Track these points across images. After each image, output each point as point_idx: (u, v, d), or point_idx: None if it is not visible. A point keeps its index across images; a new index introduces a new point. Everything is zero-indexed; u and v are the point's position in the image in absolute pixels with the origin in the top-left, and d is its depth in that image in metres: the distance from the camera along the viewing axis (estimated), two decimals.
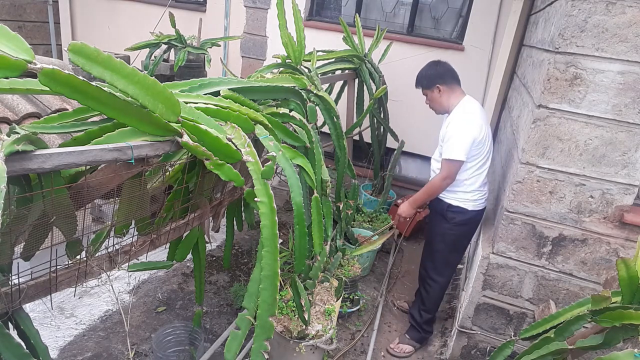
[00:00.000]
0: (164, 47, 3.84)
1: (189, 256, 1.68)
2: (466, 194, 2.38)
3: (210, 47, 3.92)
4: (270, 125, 1.53)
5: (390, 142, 4.26)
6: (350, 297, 2.83)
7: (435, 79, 2.35)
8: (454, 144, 2.23)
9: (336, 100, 3.74)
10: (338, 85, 3.93)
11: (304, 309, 2.01)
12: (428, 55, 4.15)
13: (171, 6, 4.73)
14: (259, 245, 1.29)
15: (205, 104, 1.30)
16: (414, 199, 2.46)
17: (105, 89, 0.92)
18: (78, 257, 1.17)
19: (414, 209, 2.49)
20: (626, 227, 1.99)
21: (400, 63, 4.22)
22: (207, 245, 1.75)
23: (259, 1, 4.70)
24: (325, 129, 2.51)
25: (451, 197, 2.40)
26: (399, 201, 4.06)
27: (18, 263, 0.99)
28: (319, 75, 2.84)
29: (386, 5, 4.43)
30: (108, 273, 1.23)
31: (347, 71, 3.55)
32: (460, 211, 2.40)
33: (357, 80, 3.69)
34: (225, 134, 1.24)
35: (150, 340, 2.40)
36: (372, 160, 4.19)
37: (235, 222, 2.11)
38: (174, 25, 3.73)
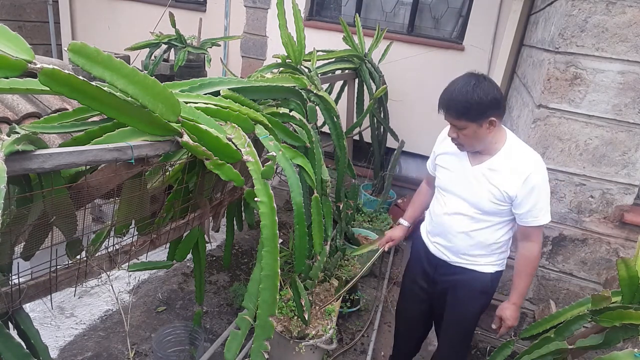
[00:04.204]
0: (164, 47, 3.84)
1: (189, 256, 1.68)
2: (505, 253, 1.80)
3: (210, 47, 3.92)
4: (270, 125, 1.53)
5: (390, 142, 4.26)
6: (350, 297, 2.83)
7: (492, 109, 1.52)
8: (545, 206, 1.61)
9: (336, 100, 3.74)
10: (338, 85, 3.93)
11: (304, 309, 2.01)
12: (428, 55, 4.16)
13: (171, 6, 4.73)
14: (259, 245, 1.29)
15: (205, 103, 1.30)
16: (519, 294, 1.72)
17: (105, 88, 0.92)
18: (78, 257, 1.17)
19: (520, 306, 1.77)
20: (626, 227, 1.99)
21: (400, 63, 4.22)
22: (207, 245, 1.75)
23: (259, 1, 4.70)
24: (325, 129, 2.51)
25: (494, 263, 1.78)
26: (399, 201, 4.07)
27: (18, 263, 0.99)
28: (319, 75, 2.84)
29: (386, 5, 4.43)
30: (108, 273, 1.23)
31: (347, 71, 3.55)
32: (499, 276, 1.82)
33: (357, 80, 3.69)
34: (225, 133, 1.24)
35: (151, 340, 2.40)
36: (372, 160, 4.19)
37: (235, 222, 2.11)
38: (174, 25, 3.73)
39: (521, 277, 1.71)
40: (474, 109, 1.51)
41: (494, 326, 1.79)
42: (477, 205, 1.68)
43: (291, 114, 1.81)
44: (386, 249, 2.12)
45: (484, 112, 1.52)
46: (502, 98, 1.56)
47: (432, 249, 1.88)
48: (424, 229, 1.99)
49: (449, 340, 1.94)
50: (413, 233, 2.08)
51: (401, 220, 2.10)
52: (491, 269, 1.77)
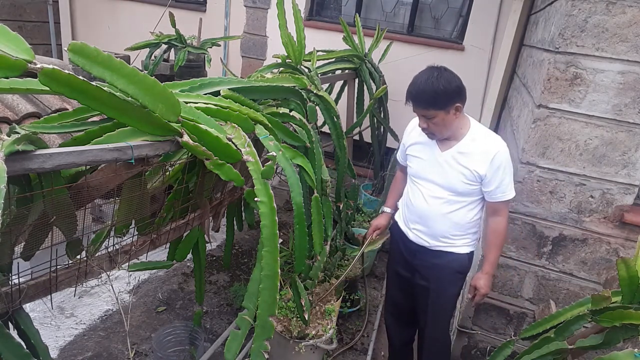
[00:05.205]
0: (164, 47, 3.84)
1: (189, 256, 1.68)
2: (477, 234, 1.93)
3: (210, 47, 3.92)
4: (270, 125, 1.53)
5: (391, 142, 4.26)
6: (351, 297, 2.83)
7: (456, 96, 1.67)
8: (510, 182, 1.78)
9: (336, 100, 3.74)
10: (338, 85, 3.93)
11: (304, 309, 2.01)
12: (428, 55, 4.15)
13: (171, 6, 4.72)
14: (259, 245, 1.29)
15: (205, 103, 1.30)
16: (491, 265, 1.86)
17: (105, 88, 0.92)
18: (78, 257, 1.17)
19: (492, 276, 1.91)
20: (626, 227, 1.99)
21: (400, 63, 4.21)
22: (207, 245, 1.75)
23: (259, 1, 4.70)
24: (325, 129, 2.51)
25: (468, 244, 1.91)
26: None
27: (18, 263, 0.99)
28: (319, 75, 2.84)
29: (386, 5, 4.43)
30: (108, 273, 1.23)
31: (347, 71, 3.55)
32: (472, 256, 1.95)
33: (357, 80, 3.69)
34: (226, 133, 1.24)
35: (151, 340, 2.40)
36: (372, 160, 4.19)
37: (235, 222, 2.11)
38: (174, 25, 3.73)
39: (492, 249, 1.86)
40: (440, 97, 1.65)
41: (469, 295, 1.92)
42: (451, 187, 1.81)
43: (291, 114, 1.81)
44: (374, 238, 2.22)
45: (450, 99, 1.66)
46: (463, 86, 1.70)
47: (412, 236, 1.96)
48: (400, 219, 2.07)
49: (434, 324, 2.01)
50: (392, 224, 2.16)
51: (384, 208, 2.22)
52: (467, 250, 1.90)
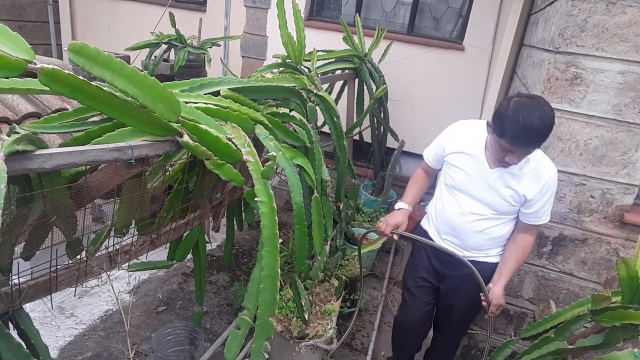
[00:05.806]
0: (164, 47, 3.84)
1: (189, 256, 1.69)
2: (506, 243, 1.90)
3: (211, 47, 3.92)
4: (270, 125, 1.53)
5: (390, 142, 4.26)
6: (350, 297, 2.83)
7: None
8: (550, 207, 1.71)
9: (336, 100, 3.74)
10: (338, 85, 3.93)
11: (304, 309, 2.01)
12: (428, 55, 4.15)
13: (171, 6, 4.72)
14: (259, 245, 1.29)
15: (205, 103, 1.30)
16: (506, 277, 1.79)
17: (105, 88, 0.92)
18: (78, 257, 1.17)
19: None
20: (626, 227, 1.99)
21: (400, 63, 4.22)
22: (207, 245, 1.75)
23: (259, 1, 4.70)
24: (325, 129, 2.51)
25: (499, 253, 1.88)
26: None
27: (18, 263, 0.99)
28: (319, 75, 2.84)
29: (386, 5, 4.43)
30: (108, 273, 1.23)
31: (347, 71, 3.55)
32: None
33: (357, 80, 3.69)
34: (226, 133, 1.24)
35: (151, 340, 2.40)
36: (372, 160, 4.19)
37: (235, 222, 2.11)
38: (174, 25, 3.73)
39: (513, 263, 1.79)
40: (550, 130, 1.49)
41: (490, 312, 1.79)
42: (494, 207, 1.74)
43: (291, 114, 1.81)
44: (396, 238, 1.96)
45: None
46: None
47: (444, 245, 1.89)
48: (430, 227, 1.99)
49: (455, 327, 2.04)
50: (413, 230, 2.02)
51: (402, 205, 1.97)
52: (497, 259, 1.87)
